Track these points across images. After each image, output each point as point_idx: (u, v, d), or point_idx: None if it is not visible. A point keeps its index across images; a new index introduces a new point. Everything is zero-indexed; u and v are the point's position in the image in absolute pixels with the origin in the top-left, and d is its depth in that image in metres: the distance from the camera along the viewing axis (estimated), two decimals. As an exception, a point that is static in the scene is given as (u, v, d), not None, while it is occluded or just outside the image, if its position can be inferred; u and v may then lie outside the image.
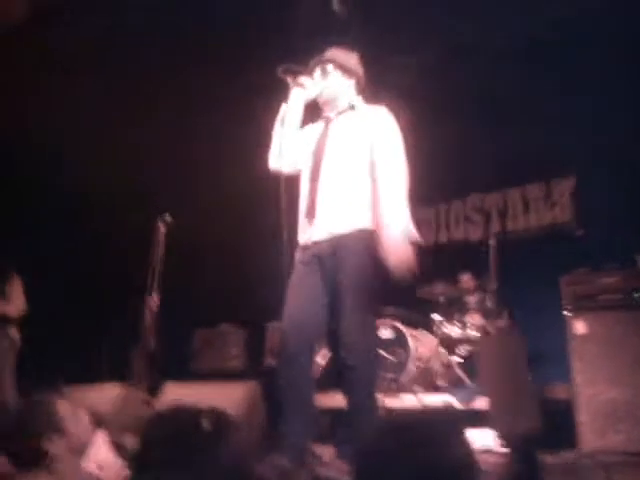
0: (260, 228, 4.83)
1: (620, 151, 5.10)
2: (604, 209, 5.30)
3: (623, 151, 5.08)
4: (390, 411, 4.35)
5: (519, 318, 5.33)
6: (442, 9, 5.05)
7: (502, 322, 5.21)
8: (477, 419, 3.76)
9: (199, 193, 6.43)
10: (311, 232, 2.88)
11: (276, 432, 2.73)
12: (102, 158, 6.02)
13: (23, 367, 5.24)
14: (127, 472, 2.23)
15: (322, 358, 4.63)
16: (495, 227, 6.07)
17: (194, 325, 6.48)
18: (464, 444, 1.54)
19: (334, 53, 3.08)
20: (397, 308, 5.41)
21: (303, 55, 3.07)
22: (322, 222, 2.86)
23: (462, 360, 5.17)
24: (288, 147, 2.99)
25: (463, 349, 5.23)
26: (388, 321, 5.15)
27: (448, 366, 5.15)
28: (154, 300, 4.66)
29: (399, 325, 5.14)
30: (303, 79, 2.99)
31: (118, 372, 5.35)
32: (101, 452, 2.48)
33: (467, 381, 4.88)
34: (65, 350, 5.97)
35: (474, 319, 5.38)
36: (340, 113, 3.05)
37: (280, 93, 3.00)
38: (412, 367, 4.94)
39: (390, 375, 4.88)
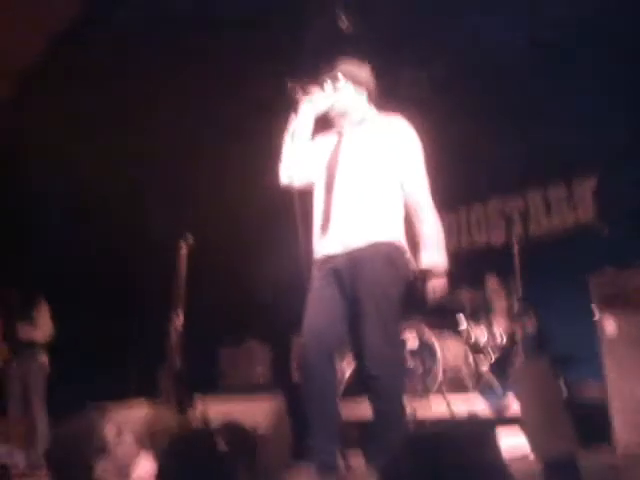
0: (277, 239, 4.84)
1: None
2: (627, 207, 5.22)
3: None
4: (420, 421, 4.31)
5: (547, 320, 5.26)
6: (454, 15, 5.06)
7: (530, 326, 5.15)
8: (508, 424, 3.70)
9: (219, 211, 6.47)
10: (326, 246, 2.87)
11: (303, 445, 2.71)
12: (127, 179, 6.11)
13: (53, 390, 5.30)
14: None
15: (348, 367, 4.60)
16: (517, 230, 5.99)
17: (219, 342, 6.50)
18: (495, 452, 1.51)
19: (344, 65, 3.05)
20: (423, 316, 5.37)
21: (313, 68, 3.07)
22: (337, 236, 2.84)
23: (490, 365, 5.10)
24: (299, 161, 2.97)
25: (491, 354, 5.15)
26: (414, 329, 5.11)
27: (477, 372, 5.08)
28: (179, 319, 4.68)
29: (426, 333, 5.09)
30: (313, 92, 2.96)
31: (146, 392, 5.37)
32: (144, 473, 2.48)
33: (496, 386, 4.81)
34: (93, 371, 6.01)
35: (501, 324, 5.31)
36: (353, 125, 3.01)
37: (290, 107, 2.98)
38: (440, 374, 4.88)
39: (418, 383, 4.83)
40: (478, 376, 5.07)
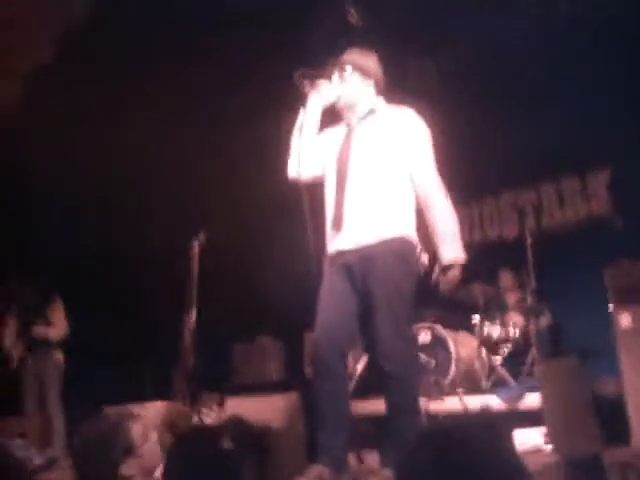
0: (288, 235, 4.83)
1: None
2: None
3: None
4: (433, 416, 4.30)
5: (562, 314, 5.23)
6: (463, 5, 5.02)
7: (544, 320, 5.12)
8: (523, 419, 3.69)
9: (230, 209, 6.48)
10: (338, 242, 2.85)
11: (316, 442, 2.71)
12: (141, 178, 6.14)
13: (68, 390, 5.34)
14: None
15: (360, 364, 4.60)
16: (530, 223, 5.95)
17: (232, 339, 6.51)
18: (510, 447, 1.50)
19: (351, 55, 3.00)
20: (436, 311, 5.35)
21: (320, 60, 3.04)
22: (349, 232, 2.82)
23: (504, 360, 5.08)
24: (307, 154, 2.94)
25: (504, 349, 5.13)
26: (427, 325, 5.10)
27: (490, 367, 5.06)
28: (192, 317, 4.69)
29: (439, 328, 5.08)
30: (321, 84, 2.92)
31: (160, 391, 5.40)
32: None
33: (510, 381, 4.79)
34: (107, 370, 6.05)
35: (514, 318, 5.28)
36: (362, 118, 2.97)
37: (298, 100, 2.95)
38: (454, 369, 4.87)
39: (432, 379, 4.82)
40: (491, 371, 5.05)
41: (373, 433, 4.04)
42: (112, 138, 5.80)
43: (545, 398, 3.41)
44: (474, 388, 4.92)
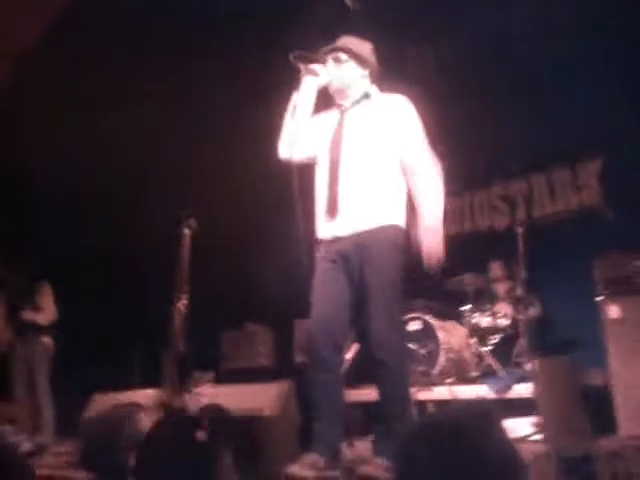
0: (278, 223, 4.82)
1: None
2: (632, 191, 5.19)
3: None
4: (421, 402, 4.32)
5: (551, 304, 5.26)
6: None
7: (533, 310, 5.15)
8: (511, 408, 3.72)
9: (221, 195, 6.45)
10: (333, 228, 2.85)
11: (310, 431, 2.72)
12: (129, 163, 6.08)
13: (57, 375, 5.32)
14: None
15: (351, 352, 4.61)
16: (521, 214, 5.97)
17: (221, 326, 6.51)
18: (504, 435, 1.51)
19: (347, 41, 3.01)
20: (425, 300, 5.37)
21: (316, 43, 3.02)
22: (345, 218, 2.82)
23: (493, 350, 5.10)
24: (300, 135, 2.93)
25: (494, 338, 5.16)
26: (417, 314, 5.11)
27: (479, 356, 5.09)
28: (182, 303, 4.68)
29: (427, 317, 5.10)
30: (316, 67, 2.92)
31: (149, 376, 5.39)
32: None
33: (499, 370, 4.82)
34: (96, 355, 6.03)
35: (504, 308, 5.31)
36: (355, 103, 2.99)
37: (291, 85, 2.95)
38: (443, 359, 4.89)
39: (421, 368, 4.84)
40: (480, 360, 5.08)
41: (364, 421, 4.07)
42: (107, 127, 5.76)
43: (539, 394, 3.43)
44: (463, 377, 4.94)
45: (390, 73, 3.13)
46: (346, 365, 4.97)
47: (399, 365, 2.73)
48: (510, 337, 5.12)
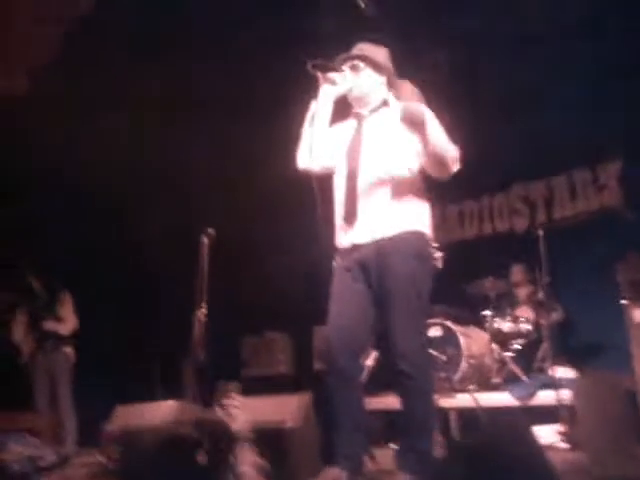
0: (298, 230, 4.81)
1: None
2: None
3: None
4: (444, 410, 4.27)
5: (573, 308, 5.19)
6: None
7: (556, 314, 5.08)
8: (535, 415, 3.66)
9: (239, 203, 6.46)
10: (352, 236, 2.82)
11: (331, 443, 2.69)
12: (147, 173, 6.13)
13: (79, 385, 5.35)
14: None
15: (370, 360, 4.57)
16: (541, 216, 5.90)
17: (241, 334, 6.51)
18: (536, 443, 1.48)
19: (364, 48, 2.98)
20: (446, 306, 5.31)
21: (332, 51, 3.00)
22: (364, 225, 2.79)
23: (515, 355, 5.04)
24: (318, 145, 2.91)
25: (516, 344, 5.09)
26: (438, 320, 5.06)
27: (502, 362, 5.03)
28: (202, 312, 4.69)
29: (449, 323, 5.04)
30: (333, 75, 2.90)
31: (170, 386, 5.41)
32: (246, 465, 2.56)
33: (522, 376, 4.76)
34: (117, 365, 6.06)
35: (526, 312, 5.25)
36: (373, 110, 2.96)
37: (309, 90, 2.93)
38: (465, 365, 4.84)
39: (443, 374, 4.79)
40: (502, 366, 5.01)
41: (383, 429, 4.03)
42: (132, 140, 5.80)
43: (581, 415, 3.28)
44: (485, 384, 4.88)
45: (406, 77, 3.10)
46: (366, 373, 4.95)
47: (423, 376, 2.67)
48: (532, 342, 5.05)
